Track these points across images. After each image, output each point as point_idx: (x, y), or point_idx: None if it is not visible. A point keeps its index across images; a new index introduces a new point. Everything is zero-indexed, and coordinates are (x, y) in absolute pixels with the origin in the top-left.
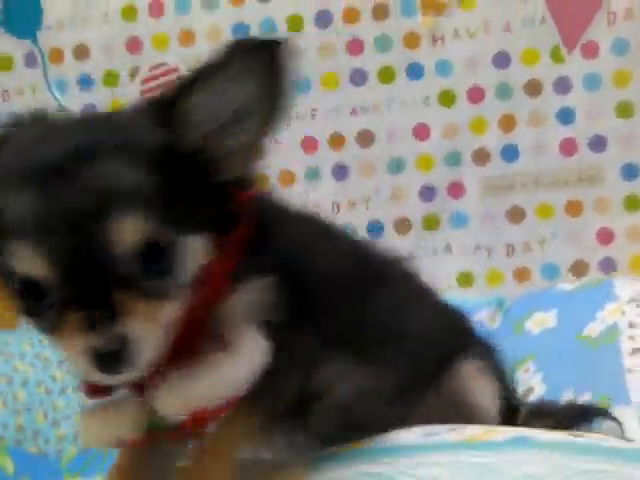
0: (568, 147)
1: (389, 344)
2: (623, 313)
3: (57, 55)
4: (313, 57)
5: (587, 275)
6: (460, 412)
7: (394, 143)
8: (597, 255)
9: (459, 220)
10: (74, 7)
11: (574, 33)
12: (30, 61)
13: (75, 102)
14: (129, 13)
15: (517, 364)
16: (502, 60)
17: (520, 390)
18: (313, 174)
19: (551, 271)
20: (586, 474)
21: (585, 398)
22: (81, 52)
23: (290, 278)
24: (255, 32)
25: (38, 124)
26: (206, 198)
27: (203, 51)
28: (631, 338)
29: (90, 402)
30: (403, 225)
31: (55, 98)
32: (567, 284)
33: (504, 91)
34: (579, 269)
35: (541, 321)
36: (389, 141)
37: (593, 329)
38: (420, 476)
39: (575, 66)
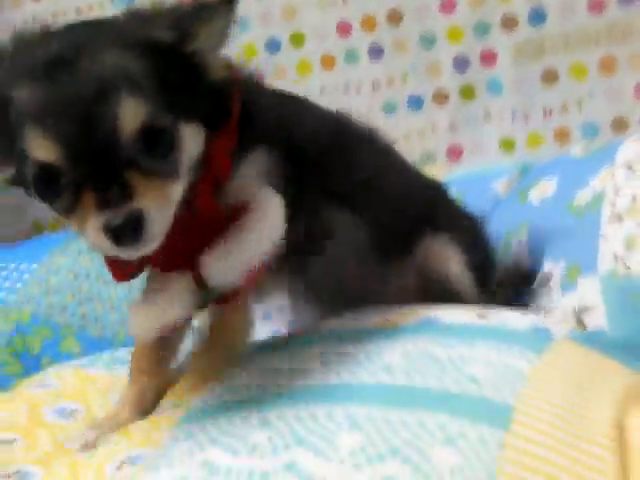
0: (596, 4)
1: (370, 199)
2: (612, 177)
3: None
4: None
5: (628, 131)
6: (433, 280)
7: (423, 19)
8: (636, 110)
9: (495, 87)
10: None
11: None
12: None
13: None
14: None
15: (511, 234)
16: None
17: (509, 261)
18: (351, 56)
19: (591, 130)
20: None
21: (560, 266)
22: None
23: (284, 145)
24: None
25: (45, 30)
26: (200, 93)
27: None
28: (612, 204)
29: (138, 295)
30: (441, 97)
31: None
32: (579, 149)
33: None
34: (619, 125)
35: (543, 189)
36: (418, 18)
37: (583, 197)
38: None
39: None
